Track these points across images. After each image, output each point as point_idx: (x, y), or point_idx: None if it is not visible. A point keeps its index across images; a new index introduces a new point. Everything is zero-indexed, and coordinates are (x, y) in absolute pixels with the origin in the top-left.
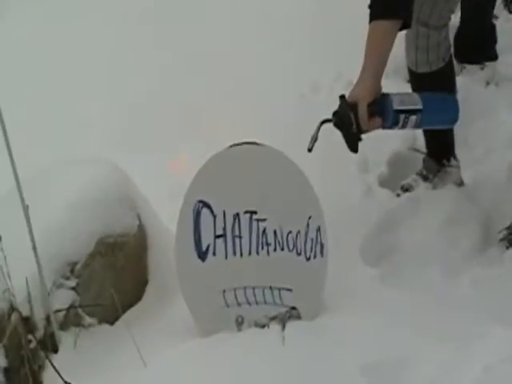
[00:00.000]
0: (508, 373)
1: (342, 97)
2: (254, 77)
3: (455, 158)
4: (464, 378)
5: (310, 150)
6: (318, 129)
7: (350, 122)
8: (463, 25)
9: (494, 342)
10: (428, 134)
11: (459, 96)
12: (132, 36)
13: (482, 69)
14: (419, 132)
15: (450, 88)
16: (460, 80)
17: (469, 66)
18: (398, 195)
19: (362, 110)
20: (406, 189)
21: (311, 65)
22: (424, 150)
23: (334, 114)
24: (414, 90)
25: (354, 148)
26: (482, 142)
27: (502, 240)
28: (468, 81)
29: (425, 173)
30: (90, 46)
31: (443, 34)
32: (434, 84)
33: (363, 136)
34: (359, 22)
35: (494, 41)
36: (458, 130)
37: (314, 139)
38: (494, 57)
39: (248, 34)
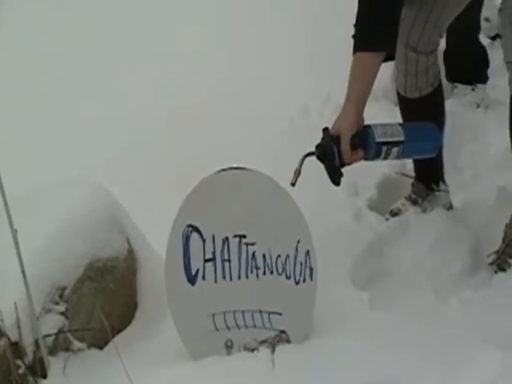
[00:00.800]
0: None
1: (325, 129)
2: (242, 101)
3: (444, 182)
4: None
5: (293, 185)
6: (302, 162)
7: (332, 154)
8: (450, 46)
9: (481, 364)
10: (416, 161)
11: (448, 119)
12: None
13: (474, 90)
14: None
15: (439, 113)
16: (450, 103)
17: (460, 86)
18: (387, 219)
19: (345, 144)
20: (394, 213)
21: (300, 88)
22: (412, 174)
23: (317, 146)
24: (403, 113)
25: (336, 181)
26: (471, 165)
27: (491, 264)
28: (457, 104)
29: (414, 197)
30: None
31: (432, 59)
32: (423, 109)
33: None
34: (348, 45)
35: (486, 64)
36: (447, 153)
37: (298, 173)
38: (484, 79)
39: (236, 57)
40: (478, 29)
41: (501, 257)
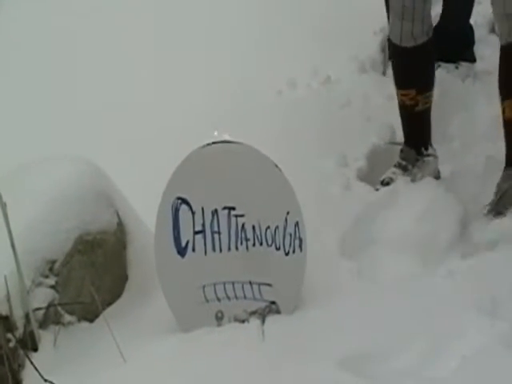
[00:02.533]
0: (484, 363)
1: None
2: (229, 76)
3: (432, 146)
4: (441, 369)
5: None
6: None
7: None
8: (442, 22)
9: (469, 333)
10: (406, 123)
11: (436, 89)
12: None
13: (457, 68)
14: (397, 125)
15: (431, 67)
16: (437, 74)
17: (444, 64)
18: (377, 190)
19: None
20: (386, 182)
21: (286, 62)
22: (401, 142)
23: None
24: (397, 67)
25: None
26: (460, 135)
27: (488, 213)
28: (445, 75)
29: (403, 163)
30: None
31: (427, 8)
32: (418, 59)
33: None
34: (332, 18)
35: (472, 42)
36: (437, 123)
37: None
38: (471, 59)
39: (222, 32)
40: (471, 8)
41: (496, 206)
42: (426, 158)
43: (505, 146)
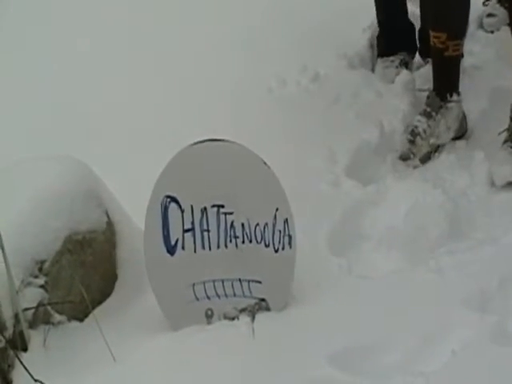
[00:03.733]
0: (474, 356)
1: None
2: (218, 74)
3: (459, 94)
4: (431, 363)
5: None
6: None
7: None
8: (424, 24)
9: (459, 328)
10: (435, 66)
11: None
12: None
13: None
14: (386, 121)
15: (464, 14)
16: (427, 69)
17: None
18: (408, 140)
19: None
20: (411, 131)
21: (275, 59)
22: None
23: None
24: (431, 7)
25: None
26: None
27: (505, 142)
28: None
29: (428, 110)
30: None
31: None
32: (451, 2)
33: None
34: (320, 15)
35: None
36: None
37: None
38: None
39: (210, 30)
40: None
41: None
42: (449, 105)
43: None
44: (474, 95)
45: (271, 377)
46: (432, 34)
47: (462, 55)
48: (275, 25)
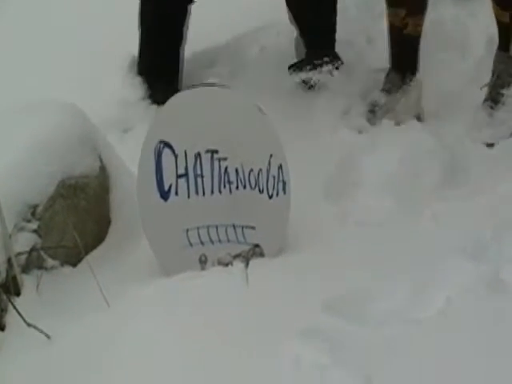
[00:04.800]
0: (469, 303)
1: None
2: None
3: (419, 72)
4: (426, 310)
5: None
6: None
7: None
8: None
9: (454, 276)
10: (394, 46)
11: None
12: None
13: None
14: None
15: None
16: None
17: None
18: (370, 120)
19: None
20: (371, 105)
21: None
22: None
23: None
24: None
25: None
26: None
27: (485, 100)
28: None
29: (388, 86)
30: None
31: None
32: None
33: None
34: None
35: None
36: None
37: None
38: None
39: None
40: None
41: (493, 90)
42: (411, 83)
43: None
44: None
45: (264, 325)
46: (389, 11)
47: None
48: None
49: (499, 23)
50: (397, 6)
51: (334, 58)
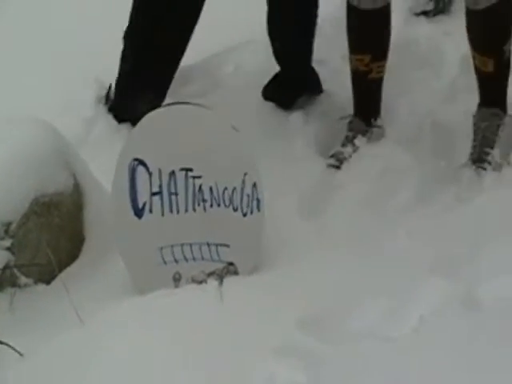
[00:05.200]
0: (443, 321)
1: None
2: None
3: (381, 118)
4: (401, 328)
5: None
6: None
7: None
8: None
9: (427, 294)
10: (358, 91)
11: None
12: None
13: None
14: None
15: (387, 33)
16: None
17: None
18: (335, 166)
19: None
20: (336, 160)
21: None
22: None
23: None
24: (351, 29)
25: None
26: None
27: (470, 161)
28: None
29: (351, 135)
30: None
31: None
32: (375, 23)
33: None
34: None
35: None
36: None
37: None
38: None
39: None
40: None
41: (478, 150)
42: (375, 129)
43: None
44: None
45: (239, 343)
46: (353, 57)
47: None
48: None
49: (480, 74)
50: (361, 51)
51: (312, 89)
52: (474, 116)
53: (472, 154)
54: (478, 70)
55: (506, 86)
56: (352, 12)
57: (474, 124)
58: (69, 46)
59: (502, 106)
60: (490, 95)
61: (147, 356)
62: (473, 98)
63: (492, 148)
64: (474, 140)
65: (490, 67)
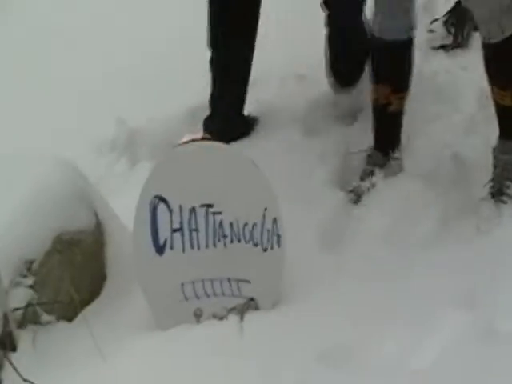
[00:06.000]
0: (462, 355)
1: None
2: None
3: (400, 150)
4: (421, 361)
5: None
6: None
7: None
8: None
9: (448, 326)
10: (377, 123)
11: None
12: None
13: None
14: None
15: (409, 66)
16: None
17: None
18: (354, 201)
19: None
20: (356, 195)
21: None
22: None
23: None
24: (374, 60)
25: None
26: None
27: (490, 195)
28: None
29: (369, 169)
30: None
31: (412, 2)
32: (396, 55)
33: None
34: None
35: None
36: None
37: None
38: None
39: None
40: None
41: (499, 183)
42: (393, 162)
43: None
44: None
45: (260, 377)
46: (373, 87)
47: None
48: None
49: (499, 107)
50: (382, 83)
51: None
52: (494, 149)
53: (492, 187)
54: (496, 104)
55: None
56: (375, 42)
57: (494, 157)
58: (93, 85)
59: None
60: (510, 128)
61: None
62: (492, 131)
63: (509, 187)
64: (494, 173)
65: (507, 101)
